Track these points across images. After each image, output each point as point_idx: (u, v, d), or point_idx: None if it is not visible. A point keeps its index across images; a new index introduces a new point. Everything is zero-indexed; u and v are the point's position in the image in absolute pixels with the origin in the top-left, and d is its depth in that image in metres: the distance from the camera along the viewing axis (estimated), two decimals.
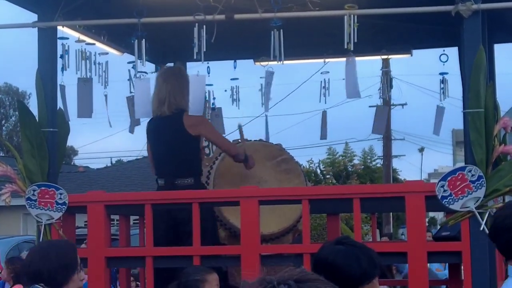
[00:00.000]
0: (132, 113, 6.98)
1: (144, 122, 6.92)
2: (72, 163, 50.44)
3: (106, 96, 6.72)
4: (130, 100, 6.97)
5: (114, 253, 6.03)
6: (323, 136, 7.63)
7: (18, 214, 28.89)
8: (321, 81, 7.50)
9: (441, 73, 7.14)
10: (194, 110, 5.98)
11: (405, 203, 5.39)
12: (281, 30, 5.61)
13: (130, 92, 7.04)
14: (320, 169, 37.43)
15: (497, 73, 7.22)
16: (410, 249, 5.37)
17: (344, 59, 5.98)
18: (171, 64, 8.03)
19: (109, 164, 43.97)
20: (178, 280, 5.17)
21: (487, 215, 5.27)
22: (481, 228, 5.24)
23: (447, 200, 5.27)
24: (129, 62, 7.00)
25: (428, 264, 5.69)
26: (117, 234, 6.86)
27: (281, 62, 5.70)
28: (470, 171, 5.27)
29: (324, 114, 7.63)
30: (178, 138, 6.40)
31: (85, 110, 6.52)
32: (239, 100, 7.66)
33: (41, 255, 3.68)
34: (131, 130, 7.20)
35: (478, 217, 5.25)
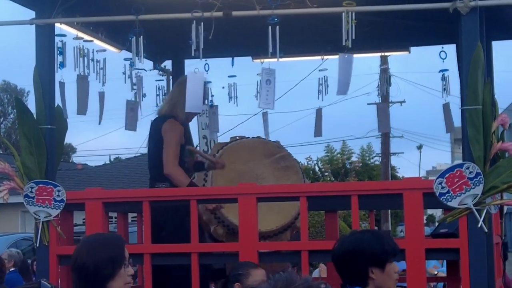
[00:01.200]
0: (129, 113, 7.00)
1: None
2: (70, 161, 50.43)
3: (100, 93, 6.70)
4: (129, 103, 7.06)
5: None
6: (318, 133, 7.62)
7: (17, 211, 28.90)
8: (319, 78, 7.50)
9: (441, 70, 7.13)
10: (192, 107, 5.97)
11: (403, 200, 5.40)
12: (279, 27, 5.60)
13: (132, 89, 7.04)
14: (318, 166, 37.42)
15: (496, 70, 7.22)
16: (408, 246, 5.37)
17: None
18: (169, 61, 8.05)
19: (107, 162, 43.98)
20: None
21: (485, 212, 5.27)
22: (479, 225, 5.24)
23: (445, 197, 5.28)
24: (125, 59, 7.00)
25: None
26: (115, 231, 6.85)
27: (278, 59, 5.70)
28: (468, 168, 5.27)
29: (318, 111, 7.61)
30: (155, 141, 6.48)
31: (84, 107, 6.52)
32: (236, 97, 7.66)
33: (88, 248, 3.57)
34: (131, 128, 7.17)
35: (476, 214, 5.26)
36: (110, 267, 3.52)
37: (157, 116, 6.70)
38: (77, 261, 3.53)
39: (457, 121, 5.77)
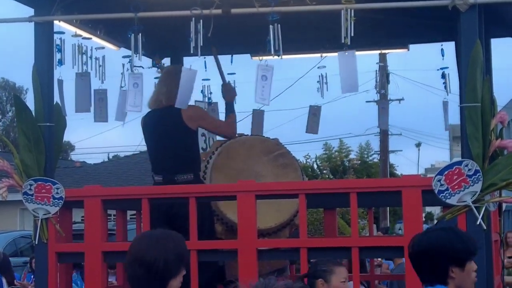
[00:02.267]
0: (121, 104, 6.95)
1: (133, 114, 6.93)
2: (69, 158, 50.47)
3: (101, 90, 6.69)
4: (123, 93, 6.99)
5: (110, 248, 6.03)
6: (311, 130, 7.59)
7: (15, 209, 28.91)
8: (319, 75, 7.49)
9: (441, 68, 7.13)
10: (180, 102, 5.96)
11: (401, 198, 5.40)
12: (278, 25, 5.61)
13: (121, 87, 7.01)
14: (317, 164, 37.45)
15: (495, 68, 7.23)
16: (407, 244, 5.36)
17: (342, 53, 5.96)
18: (169, 59, 8.04)
19: (106, 159, 44.00)
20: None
21: (483, 209, 5.27)
22: (478, 223, 5.24)
23: (443, 195, 5.28)
24: (123, 57, 6.99)
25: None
26: (114, 229, 6.85)
27: (279, 57, 5.70)
28: (467, 165, 5.27)
29: (312, 108, 7.59)
30: (175, 131, 6.37)
31: (83, 104, 6.51)
32: (236, 95, 7.64)
33: (158, 244, 3.51)
34: (119, 118, 7.09)
35: (475, 211, 5.26)
36: (178, 265, 3.51)
37: (155, 107, 6.58)
38: (146, 256, 3.48)
39: (455, 119, 5.77)
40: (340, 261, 5.64)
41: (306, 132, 7.65)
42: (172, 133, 6.39)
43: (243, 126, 7.35)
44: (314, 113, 7.58)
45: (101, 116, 6.77)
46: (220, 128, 6.73)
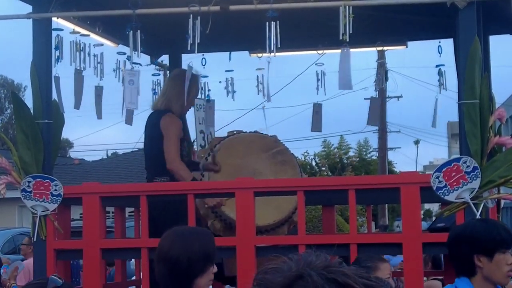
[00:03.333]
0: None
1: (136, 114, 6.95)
2: (67, 156, 50.45)
3: (97, 87, 6.68)
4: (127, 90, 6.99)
5: (109, 245, 6.03)
6: (316, 128, 7.60)
7: (14, 206, 28.89)
8: (316, 73, 7.48)
9: (438, 65, 7.13)
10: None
11: (400, 194, 5.40)
12: (277, 22, 5.60)
13: (121, 83, 7.02)
14: (315, 161, 37.45)
15: (493, 65, 7.23)
16: (405, 240, 5.37)
17: (340, 50, 5.98)
18: (167, 56, 8.04)
19: (104, 157, 43.97)
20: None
21: (482, 206, 5.27)
22: None
23: (442, 191, 5.28)
24: (118, 53, 7.00)
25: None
26: (113, 226, 6.85)
27: (274, 54, 5.70)
28: (465, 162, 5.27)
29: (315, 106, 7.60)
30: (154, 136, 6.53)
31: (79, 102, 6.52)
32: (234, 92, 7.65)
33: (182, 241, 3.47)
34: (128, 122, 7.14)
35: (473, 208, 5.26)
36: (203, 263, 3.46)
37: (152, 111, 6.74)
38: (170, 253, 3.44)
39: (454, 116, 5.77)
40: (382, 257, 5.60)
41: (311, 131, 7.65)
42: (152, 136, 6.56)
43: (244, 124, 7.36)
44: (317, 111, 7.59)
45: (97, 113, 6.75)
46: (168, 154, 6.37)
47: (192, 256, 3.43)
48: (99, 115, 6.69)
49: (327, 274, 1.56)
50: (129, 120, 7.10)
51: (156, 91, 7.56)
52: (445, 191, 5.27)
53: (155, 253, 3.55)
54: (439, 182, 5.28)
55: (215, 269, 3.54)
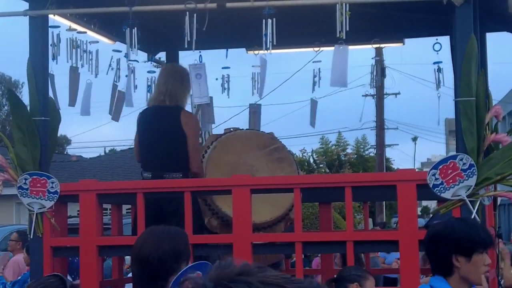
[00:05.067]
0: (117, 101, 6.99)
1: (129, 110, 6.95)
2: (65, 153, 50.40)
3: (87, 83, 6.68)
4: (116, 89, 7.03)
5: (106, 242, 6.03)
6: (313, 123, 7.60)
7: (11, 203, 28.87)
8: (313, 70, 7.48)
9: (435, 62, 7.13)
10: (198, 99, 6.07)
11: (397, 192, 5.40)
12: (274, 19, 5.60)
13: (116, 80, 7.03)
14: (313, 158, 37.44)
15: (490, 63, 7.23)
16: (402, 237, 5.38)
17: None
18: (163, 53, 8.03)
19: (102, 154, 43.97)
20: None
21: (478, 203, 5.28)
22: (472, 216, 5.25)
23: (438, 189, 5.28)
24: (114, 50, 7.00)
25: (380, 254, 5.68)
26: (110, 223, 6.86)
27: (270, 51, 5.70)
28: (461, 159, 5.28)
29: (313, 102, 7.60)
30: (171, 132, 6.37)
31: (74, 99, 6.53)
32: (229, 89, 7.65)
33: (154, 240, 3.48)
34: (115, 118, 7.14)
35: (470, 205, 5.26)
36: (175, 262, 3.44)
37: (156, 104, 6.57)
38: (142, 251, 3.45)
39: (451, 113, 5.77)
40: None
41: (310, 125, 7.65)
42: (168, 132, 6.40)
43: (239, 121, 7.37)
44: (313, 106, 7.60)
45: (85, 110, 6.73)
46: (196, 156, 6.44)
47: (163, 256, 3.43)
48: (87, 112, 6.66)
49: (227, 284, 1.51)
50: (116, 117, 7.10)
51: (152, 88, 7.53)
52: (442, 189, 5.28)
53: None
54: (436, 179, 5.28)
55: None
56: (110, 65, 6.96)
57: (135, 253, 3.48)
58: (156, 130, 6.46)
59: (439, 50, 6.80)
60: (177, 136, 6.33)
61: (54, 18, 6.14)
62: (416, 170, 7.36)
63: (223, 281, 1.50)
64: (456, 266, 3.69)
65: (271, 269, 1.54)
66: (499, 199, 6.18)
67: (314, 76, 7.49)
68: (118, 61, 7.01)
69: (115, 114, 7.10)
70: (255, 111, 7.73)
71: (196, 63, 6.11)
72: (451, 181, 5.27)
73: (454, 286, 3.70)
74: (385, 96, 31.77)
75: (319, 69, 7.46)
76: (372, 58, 7.86)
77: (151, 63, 7.62)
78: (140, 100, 7.31)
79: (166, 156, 6.36)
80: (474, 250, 3.70)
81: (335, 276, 5.42)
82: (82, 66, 6.50)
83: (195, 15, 5.61)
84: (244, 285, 1.49)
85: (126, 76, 6.96)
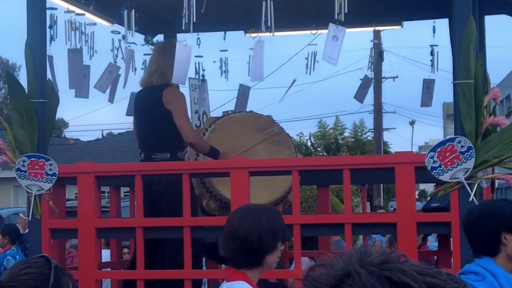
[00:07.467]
0: (113, 84, 6.97)
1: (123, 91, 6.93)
2: (62, 136, 50.37)
3: (84, 66, 6.65)
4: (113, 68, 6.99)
5: (104, 224, 6.04)
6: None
7: (9, 186, 28.89)
8: (308, 53, 7.45)
9: (431, 45, 7.12)
10: (177, 79, 5.94)
11: (395, 174, 5.41)
12: (272, 1, 5.58)
13: (114, 62, 7.01)
14: (311, 141, 37.41)
15: (488, 46, 7.22)
16: (400, 220, 5.39)
17: (326, 31, 5.88)
18: (162, 36, 8.01)
19: (99, 137, 43.92)
20: None
21: (476, 186, 5.28)
22: (470, 199, 5.26)
23: (436, 171, 5.29)
24: (112, 32, 6.98)
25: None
26: (108, 206, 6.86)
27: (271, 33, 5.69)
28: (459, 142, 5.28)
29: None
30: (155, 112, 6.42)
31: (76, 81, 6.51)
32: (227, 72, 7.64)
33: (252, 218, 3.51)
34: (110, 100, 7.13)
35: (468, 188, 5.27)
36: (273, 240, 3.49)
37: (142, 87, 6.61)
38: (240, 230, 3.47)
39: (449, 97, 5.76)
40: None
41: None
42: (152, 112, 6.45)
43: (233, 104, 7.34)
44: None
45: (82, 92, 6.71)
46: (185, 128, 6.35)
47: (262, 233, 3.46)
48: (85, 95, 6.65)
49: (379, 271, 1.41)
50: (111, 98, 7.10)
51: None
52: (440, 171, 5.28)
53: (223, 231, 3.56)
54: (434, 162, 5.28)
55: (283, 246, 3.57)
56: (114, 47, 6.94)
57: (232, 231, 3.49)
58: (144, 112, 6.53)
59: (435, 33, 6.80)
60: (161, 115, 6.36)
61: (52, 0, 6.11)
62: (414, 153, 7.36)
63: (372, 268, 1.42)
64: (504, 244, 3.68)
65: (408, 257, 1.46)
66: (496, 182, 6.19)
67: (309, 59, 7.45)
68: (118, 42, 7.00)
69: (111, 95, 7.09)
70: (244, 91, 7.74)
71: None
72: (449, 163, 5.27)
73: (501, 266, 3.69)
74: (383, 79, 31.74)
75: (314, 51, 7.42)
76: (371, 41, 7.84)
77: (148, 45, 7.59)
78: (137, 85, 7.29)
79: (154, 137, 6.41)
80: None
81: None
82: (81, 47, 6.47)
83: None
84: (399, 274, 1.41)
85: (123, 58, 6.94)
